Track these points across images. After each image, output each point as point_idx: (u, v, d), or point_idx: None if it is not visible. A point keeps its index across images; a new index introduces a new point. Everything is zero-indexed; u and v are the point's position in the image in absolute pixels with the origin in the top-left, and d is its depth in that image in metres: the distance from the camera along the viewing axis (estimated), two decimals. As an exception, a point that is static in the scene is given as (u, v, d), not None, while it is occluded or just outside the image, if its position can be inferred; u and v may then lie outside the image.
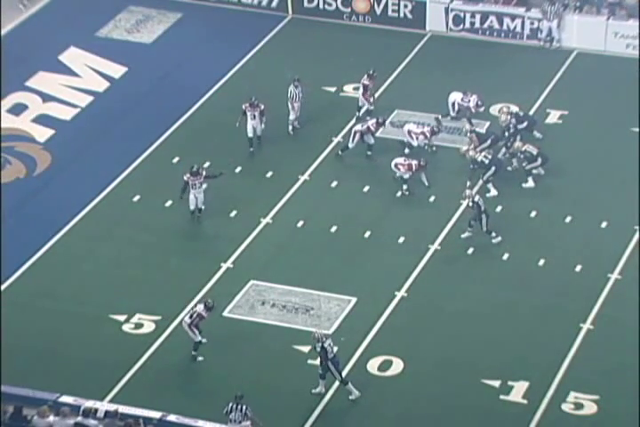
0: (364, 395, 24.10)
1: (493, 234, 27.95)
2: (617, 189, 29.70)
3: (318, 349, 23.64)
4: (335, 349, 23.76)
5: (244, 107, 30.55)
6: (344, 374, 24.03)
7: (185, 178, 28.32)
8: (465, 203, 28.25)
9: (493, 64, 34.63)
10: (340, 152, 30.92)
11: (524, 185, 29.64)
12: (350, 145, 30.69)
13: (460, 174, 30.00)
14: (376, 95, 32.26)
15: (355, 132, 30.64)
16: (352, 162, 30.91)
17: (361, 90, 32.09)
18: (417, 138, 30.40)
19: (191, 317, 24.80)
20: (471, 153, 29.57)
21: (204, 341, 24.94)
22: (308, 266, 27.61)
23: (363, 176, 30.27)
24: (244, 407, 22.47)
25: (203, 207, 28.65)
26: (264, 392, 24.07)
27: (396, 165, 29.31)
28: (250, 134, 30.84)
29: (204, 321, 24.79)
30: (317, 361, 23.89)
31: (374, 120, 30.75)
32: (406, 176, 29.21)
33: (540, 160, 29.61)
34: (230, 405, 22.55)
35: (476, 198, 27.84)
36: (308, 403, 23.97)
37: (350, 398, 23.94)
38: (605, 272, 27.20)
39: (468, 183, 29.15)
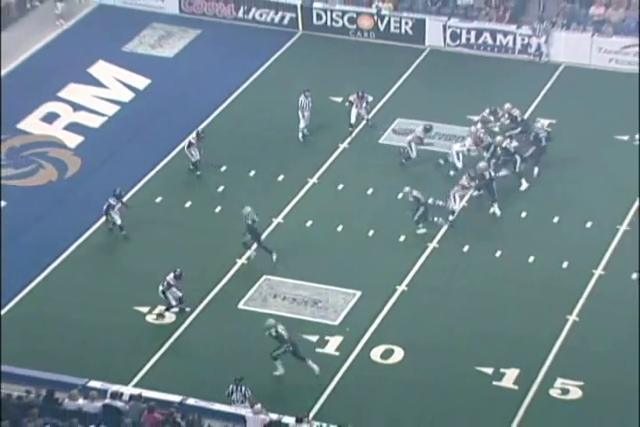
0: (367, 381, 24.14)
1: (420, 225, 28.03)
2: (601, 192, 29.66)
3: (274, 334, 23.77)
4: (286, 333, 23.91)
5: (192, 139, 30.23)
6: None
7: (112, 201, 28.04)
8: (410, 197, 28.16)
9: (487, 76, 34.64)
10: (403, 161, 30.57)
11: (521, 188, 29.55)
12: (412, 155, 30.41)
13: (456, 176, 30.00)
14: (362, 112, 31.93)
15: (410, 143, 30.34)
16: (356, 166, 30.92)
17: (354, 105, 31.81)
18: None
19: (163, 285, 25.60)
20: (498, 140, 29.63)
21: (187, 309, 25.82)
22: (316, 262, 27.63)
23: (367, 180, 30.25)
24: (243, 389, 22.64)
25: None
26: (275, 378, 24.14)
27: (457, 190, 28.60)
28: (194, 159, 30.38)
29: (175, 288, 25.50)
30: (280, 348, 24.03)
31: (421, 128, 30.53)
32: (455, 206, 28.47)
33: (517, 158, 29.52)
34: (231, 387, 22.70)
35: (414, 193, 27.84)
36: (315, 388, 23.98)
37: (316, 374, 24.03)
38: (590, 268, 27.19)
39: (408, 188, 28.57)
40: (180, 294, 25.76)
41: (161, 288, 25.70)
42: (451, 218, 28.33)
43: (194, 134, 30.58)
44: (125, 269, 27.42)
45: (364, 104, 31.91)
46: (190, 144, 30.42)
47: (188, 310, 25.99)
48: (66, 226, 28.77)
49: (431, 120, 32.20)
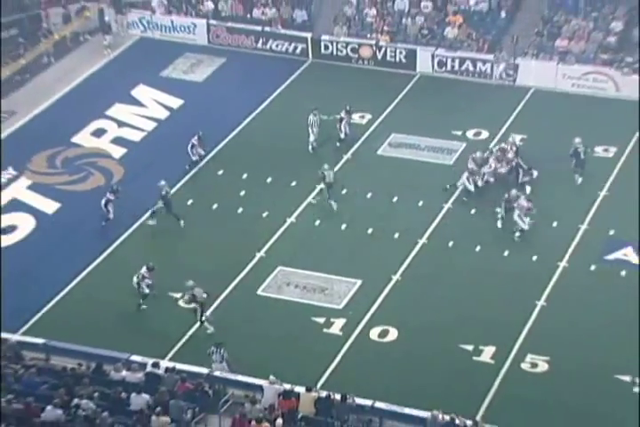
0: (366, 357, 24.13)
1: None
2: (565, 196, 29.59)
3: (188, 297, 24.62)
4: (204, 295, 24.54)
5: (194, 141, 30.78)
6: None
7: (110, 196, 28.35)
8: None
9: (469, 98, 34.55)
10: (464, 199, 29.21)
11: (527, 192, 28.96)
12: (471, 188, 29.15)
13: (442, 182, 29.93)
14: (347, 128, 31.78)
15: (467, 179, 29.13)
16: (358, 173, 30.89)
17: (339, 121, 31.63)
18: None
19: (137, 277, 25.41)
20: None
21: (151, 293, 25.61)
22: (323, 255, 27.58)
23: (366, 185, 30.25)
24: (222, 351, 22.88)
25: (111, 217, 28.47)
26: (289, 353, 24.18)
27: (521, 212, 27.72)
28: (195, 158, 30.95)
29: (148, 279, 25.40)
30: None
31: (472, 163, 29.37)
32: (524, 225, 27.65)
33: (520, 170, 29.49)
34: (212, 348, 22.97)
35: (328, 172, 28.53)
36: (322, 362, 23.99)
37: (207, 332, 24.58)
38: (556, 261, 27.14)
39: None
40: (151, 282, 25.51)
41: (136, 280, 25.44)
42: (517, 235, 27.72)
43: (196, 137, 30.87)
44: (161, 261, 27.26)
45: (350, 119, 31.77)
46: (193, 146, 30.80)
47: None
48: (111, 225, 28.73)
49: (421, 135, 32.29)
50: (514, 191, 28.33)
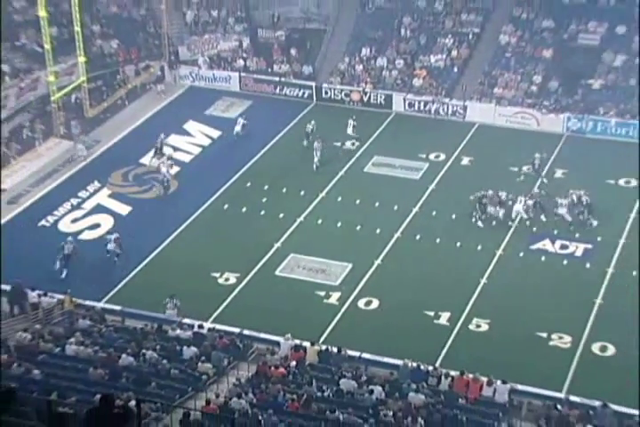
0: (355, 320, 24.08)
1: None
2: (504, 204, 29.42)
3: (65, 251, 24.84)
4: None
5: (244, 121, 32.49)
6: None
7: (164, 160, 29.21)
8: None
9: (431, 130, 34.40)
10: (530, 224, 27.66)
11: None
12: (527, 213, 27.47)
13: (411, 192, 29.85)
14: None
15: (517, 213, 27.61)
16: (349, 185, 30.79)
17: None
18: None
19: (112, 243, 25.80)
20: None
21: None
22: (324, 245, 27.49)
23: (355, 194, 30.17)
24: (175, 301, 22.98)
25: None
26: (298, 317, 24.10)
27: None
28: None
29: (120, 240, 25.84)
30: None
31: (527, 198, 27.80)
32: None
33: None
34: (167, 299, 23.10)
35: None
36: (323, 324, 23.96)
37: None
38: (494, 249, 27.09)
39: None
40: (119, 240, 25.76)
41: (114, 245, 25.79)
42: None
43: (241, 119, 32.71)
44: (204, 250, 27.31)
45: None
46: (244, 125, 32.62)
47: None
48: (167, 224, 28.63)
49: (396, 157, 32.17)
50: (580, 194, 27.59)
